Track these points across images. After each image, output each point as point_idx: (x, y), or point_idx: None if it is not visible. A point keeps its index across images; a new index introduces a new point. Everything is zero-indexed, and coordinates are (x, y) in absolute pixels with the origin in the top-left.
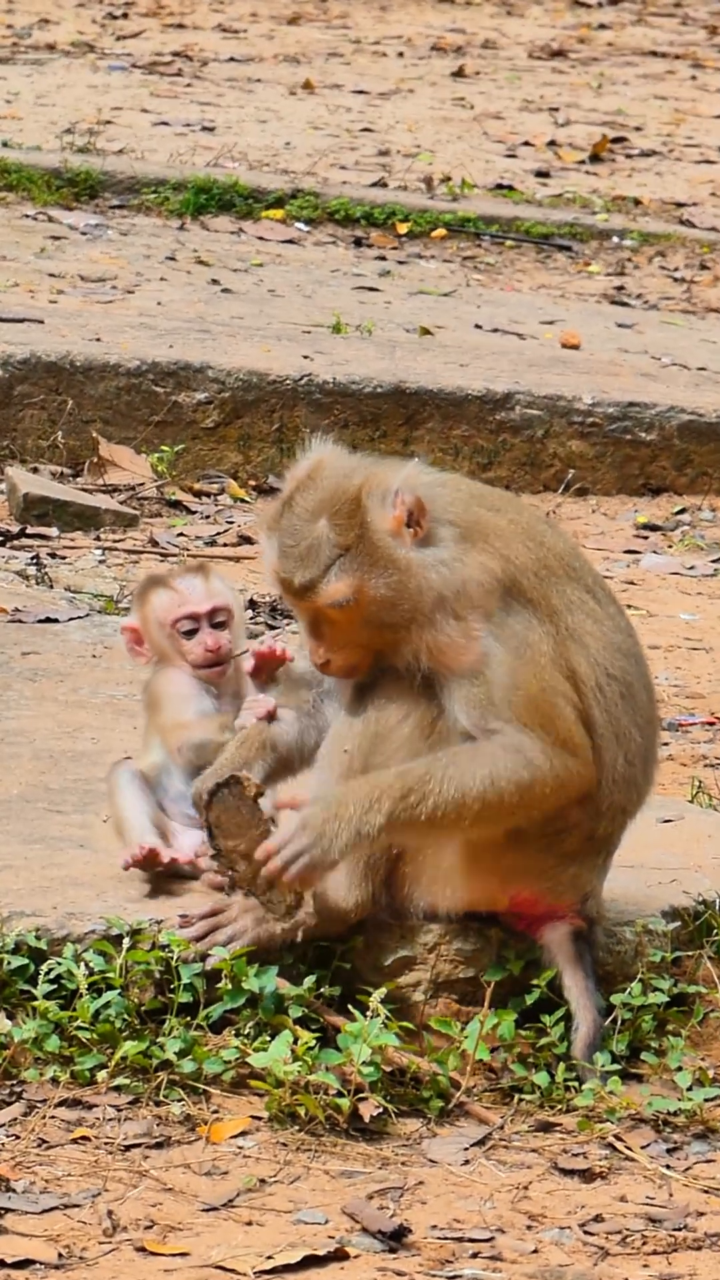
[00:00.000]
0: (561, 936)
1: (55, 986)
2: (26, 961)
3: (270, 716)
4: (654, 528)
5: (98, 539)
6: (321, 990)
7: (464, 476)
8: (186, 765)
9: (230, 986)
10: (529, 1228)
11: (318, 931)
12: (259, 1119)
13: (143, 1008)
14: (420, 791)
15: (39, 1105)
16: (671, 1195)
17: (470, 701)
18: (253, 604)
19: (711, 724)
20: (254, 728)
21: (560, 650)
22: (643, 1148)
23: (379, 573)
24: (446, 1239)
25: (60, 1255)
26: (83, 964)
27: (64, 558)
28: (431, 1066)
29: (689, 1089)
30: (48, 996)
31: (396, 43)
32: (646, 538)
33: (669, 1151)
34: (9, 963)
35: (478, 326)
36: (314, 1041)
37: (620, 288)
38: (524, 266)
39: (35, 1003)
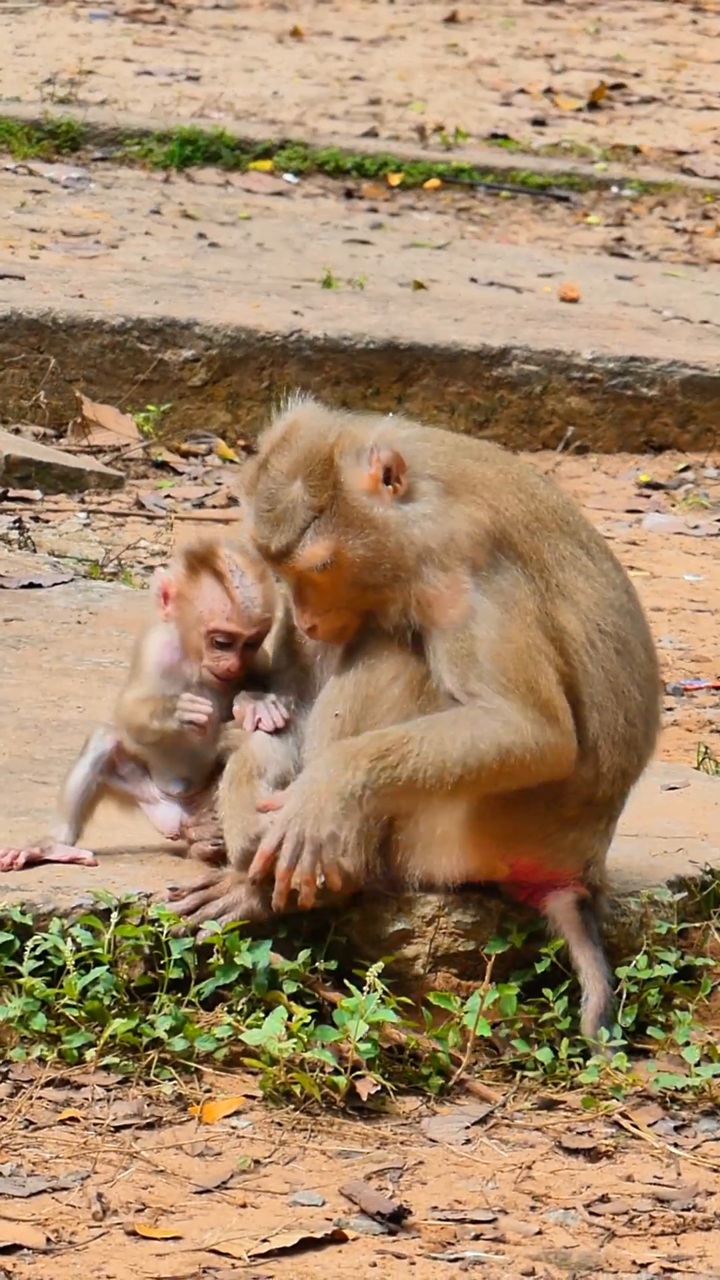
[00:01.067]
0: (566, 905)
1: (41, 963)
2: (11, 937)
3: (259, 726)
4: (657, 486)
5: (82, 501)
6: (317, 965)
7: (449, 431)
8: (134, 738)
9: (222, 962)
10: (533, 1209)
11: (312, 904)
12: (253, 1098)
13: (132, 984)
14: (399, 752)
15: (25, 1085)
16: (680, 1174)
17: (453, 657)
18: None
19: (717, 688)
20: (239, 767)
21: (547, 608)
22: (650, 1125)
23: (356, 533)
24: (448, 1221)
25: (48, 1240)
26: (70, 939)
27: (47, 521)
28: (431, 1043)
29: (697, 1065)
30: (34, 973)
31: None
32: (649, 496)
33: (677, 1129)
34: None
35: (473, 280)
36: (309, 1018)
37: (620, 239)
38: (520, 218)
39: (21, 980)
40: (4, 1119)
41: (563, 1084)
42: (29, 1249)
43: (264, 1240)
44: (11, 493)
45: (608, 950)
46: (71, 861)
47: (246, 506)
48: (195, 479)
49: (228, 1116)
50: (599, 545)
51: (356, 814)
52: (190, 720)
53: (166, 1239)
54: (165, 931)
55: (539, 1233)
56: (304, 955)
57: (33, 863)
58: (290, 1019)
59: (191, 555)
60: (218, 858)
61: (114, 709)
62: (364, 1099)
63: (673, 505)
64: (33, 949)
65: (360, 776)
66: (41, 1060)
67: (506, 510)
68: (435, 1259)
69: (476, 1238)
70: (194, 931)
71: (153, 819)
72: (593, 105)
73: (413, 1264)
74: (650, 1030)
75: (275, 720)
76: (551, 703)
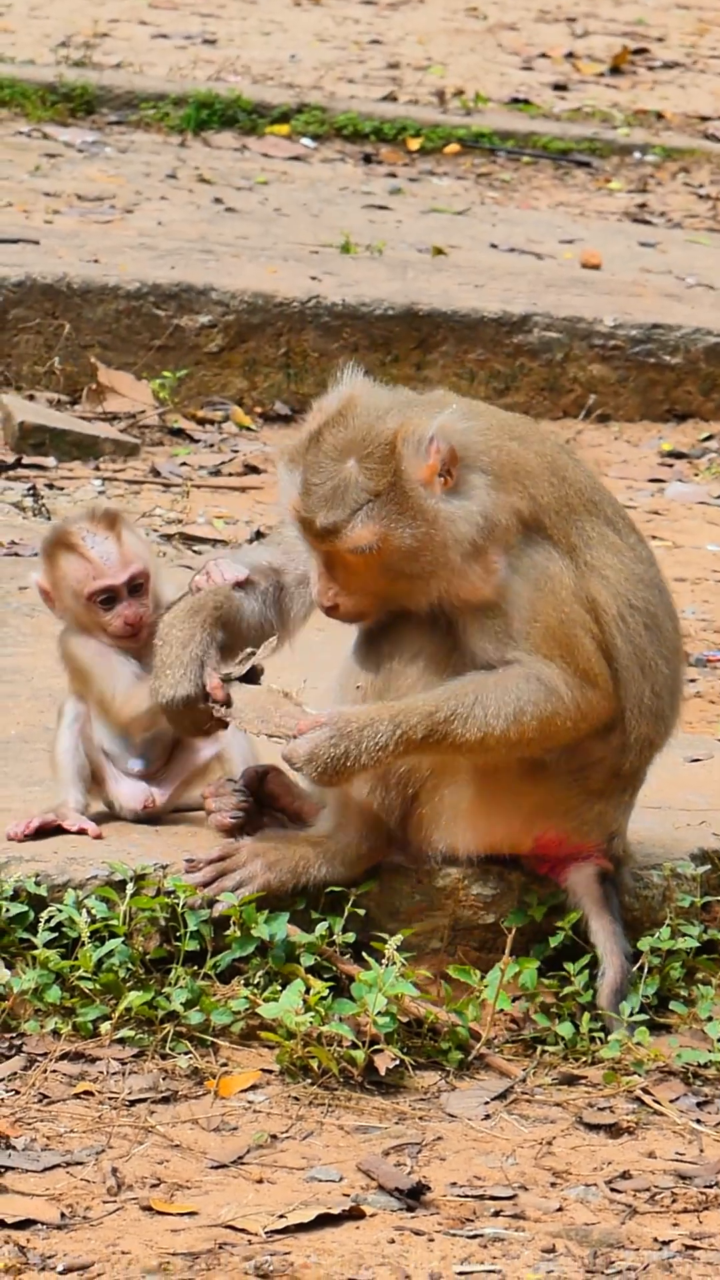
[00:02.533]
0: (587, 878)
1: (56, 935)
2: (26, 909)
3: (237, 584)
4: (679, 455)
5: (97, 469)
6: (335, 937)
7: (489, 405)
8: (134, 736)
9: (239, 934)
10: (553, 1185)
11: (330, 876)
12: (270, 1072)
13: (147, 956)
14: (443, 732)
15: (40, 1059)
16: (702, 1151)
17: (489, 634)
18: (259, 535)
19: None
20: (209, 595)
21: (580, 583)
22: (671, 1101)
23: (406, 523)
24: (467, 1197)
25: (63, 1215)
26: (85, 911)
27: (62, 488)
28: (450, 1017)
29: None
30: (48, 945)
31: None
32: (671, 465)
33: (699, 1105)
34: (8, 910)
35: (493, 246)
36: (327, 991)
37: (642, 205)
38: (541, 183)
39: (35, 952)
40: (18, 1093)
41: (584, 1059)
42: (43, 1224)
43: (281, 1216)
44: (25, 460)
45: (630, 923)
46: (79, 832)
47: (290, 476)
48: (211, 446)
49: (244, 1091)
50: (624, 520)
51: (384, 764)
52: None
53: (182, 1214)
54: (181, 903)
55: (559, 1209)
56: (322, 928)
57: (45, 830)
58: (308, 992)
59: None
60: (235, 830)
61: (98, 713)
62: (382, 1073)
63: (695, 474)
64: (47, 921)
65: (392, 757)
66: (56, 1033)
67: (542, 498)
68: (454, 1235)
69: (496, 1214)
70: (210, 904)
71: (117, 796)
72: (615, 70)
73: (431, 1240)
74: (672, 1005)
75: (234, 574)
76: (591, 670)
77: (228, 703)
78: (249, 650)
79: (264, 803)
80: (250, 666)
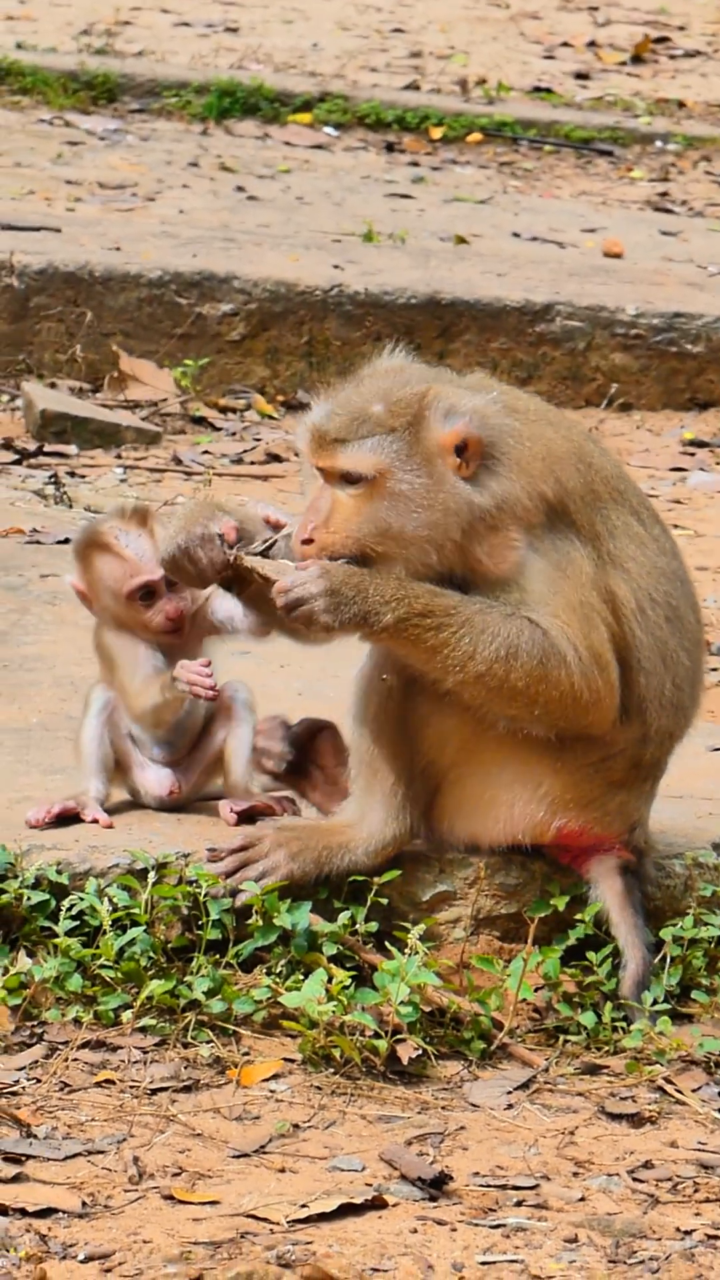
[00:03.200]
0: (609, 870)
1: (77, 923)
2: (47, 897)
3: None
4: (701, 444)
5: (119, 457)
6: (357, 927)
7: (524, 392)
8: (149, 730)
9: (261, 923)
10: (575, 1175)
11: (353, 865)
12: (292, 1061)
13: (169, 945)
14: (440, 619)
15: (61, 1047)
16: None
17: (504, 604)
18: (278, 527)
19: None
20: (227, 500)
21: (600, 574)
22: (694, 1091)
23: (411, 469)
24: (489, 1187)
25: (84, 1204)
26: (106, 899)
27: (83, 476)
28: (473, 1006)
29: None
30: (69, 934)
31: None
32: (693, 454)
33: None
34: (29, 898)
35: (515, 235)
36: (349, 980)
37: (664, 194)
38: (563, 172)
39: (56, 940)
40: (39, 1081)
41: (606, 1049)
42: (64, 1212)
43: (303, 1206)
44: (47, 448)
45: (652, 913)
46: (93, 822)
47: (317, 405)
48: (233, 435)
49: (266, 1080)
50: (648, 510)
51: (360, 633)
52: (191, 684)
53: (204, 1203)
54: (204, 892)
55: (581, 1199)
56: (344, 917)
57: (66, 816)
58: (330, 981)
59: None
60: (274, 775)
61: (121, 701)
62: (405, 1063)
63: (717, 463)
64: (69, 909)
65: (389, 618)
66: (77, 1022)
67: (568, 482)
68: (476, 1225)
69: (518, 1204)
70: (233, 893)
71: (142, 783)
72: (636, 59)
73: (454, 1230)
74: (694, 994)
75: (266, 510)
76: (602, 654)
77: (239, 564)
78: (267, 536)
79: (308, 759)
80: (267, 546)
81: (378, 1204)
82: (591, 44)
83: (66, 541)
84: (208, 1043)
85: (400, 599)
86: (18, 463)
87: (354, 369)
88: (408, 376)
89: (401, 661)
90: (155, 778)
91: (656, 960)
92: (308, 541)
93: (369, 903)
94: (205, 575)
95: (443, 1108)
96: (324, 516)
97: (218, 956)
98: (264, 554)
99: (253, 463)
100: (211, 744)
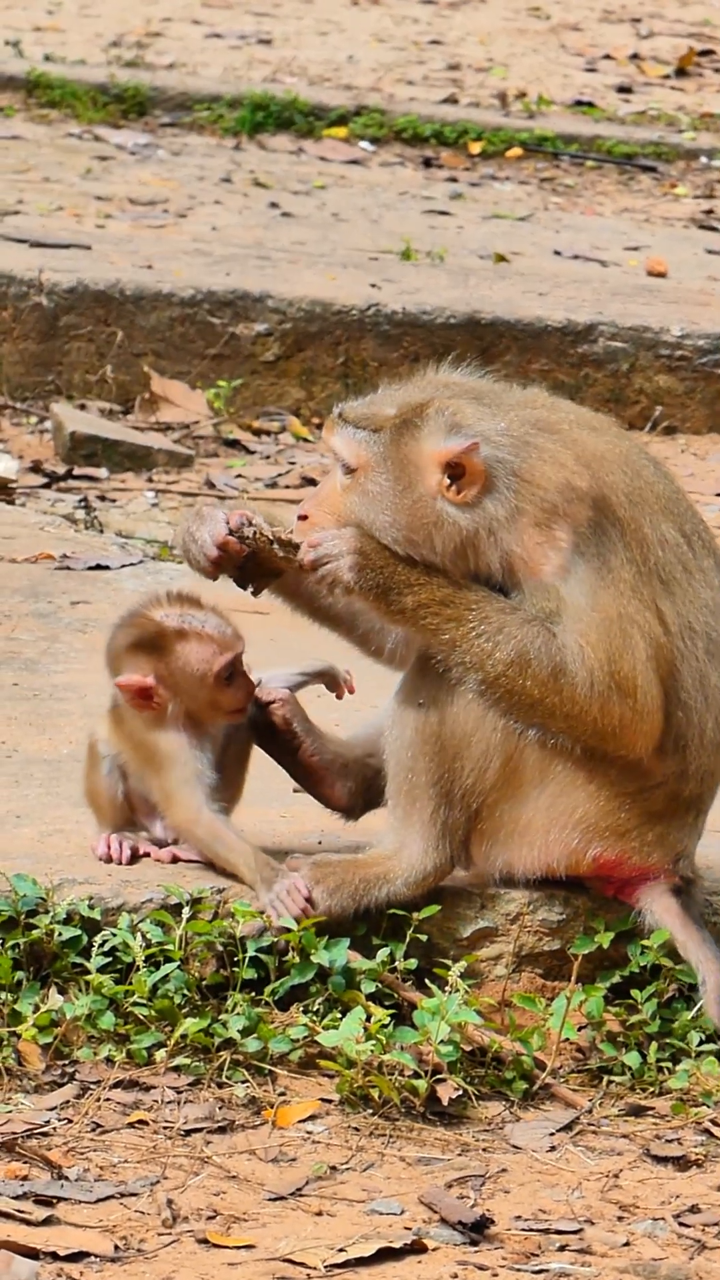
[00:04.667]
0: (661, 894)
1: (110, 959)
2: (79, 933)
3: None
4: None
5: (150, 480)
6: (396, 964)
7: (575, 405)
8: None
9: (298, 960)
10: (620, 1219)
11: (392, 897)
12: (329, 1102)
13: (204, 982)
14: (460, 611)
15: (93, 1087)
16: None
17: (539, 613)
18: None
19: None
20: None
21: (643, 581)
22: None
23: (383, 470)
24: (531, 1231)
25: (117, 1247)
26: (139, 935)
27: (114, 500)
28: (514, 1046)
29: None
30: (102, 970)
31: None
32: None
33: None
34: (60, 934)
35: (557, 253)
36: (388, 1019)
37: (709, 211)
38: (606, 188)
39: (88, 977)
40: (71, 1121)
41: (651, 1089)
42: (97, 1256)
43: (340, 1250)
44: (77, 471)
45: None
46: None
47: None
48: (267, 458)
49: (303, 1121)
50: (702, 540)
51: (374, 609)
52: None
53: (239, 1248)
54: (239, 928)
55: (626, 1244)
56: (383, 954)
57: (136, 857)
58: (368, 1020)
59: (140, 645)
60: None
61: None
62: (445, 1103)
63: None
64: (101, 945)
65: (410, 600)
66: (110, 1061)
67: (608, 477)
68: (518, 1270)
69: (561, 1249)
70: (264, 930)
71: (150, 828)
72: (680, 72)
73: (495, 1275)
74: None
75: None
76: (630, 679)
77: (241, 531)
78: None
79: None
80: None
81: (417, 1248)
82: (634, 56)
83: (98, 568)
84: (243, 1082)
85: (423, 584)
86: (47, 486)
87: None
88: (443, 388)
89: (426, 652)
90: (162, 826)
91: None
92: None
93: (408, 939)
94: (206, 552)
95: (484, 1149)
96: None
97: (253, 994)
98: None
99: (287, 486)
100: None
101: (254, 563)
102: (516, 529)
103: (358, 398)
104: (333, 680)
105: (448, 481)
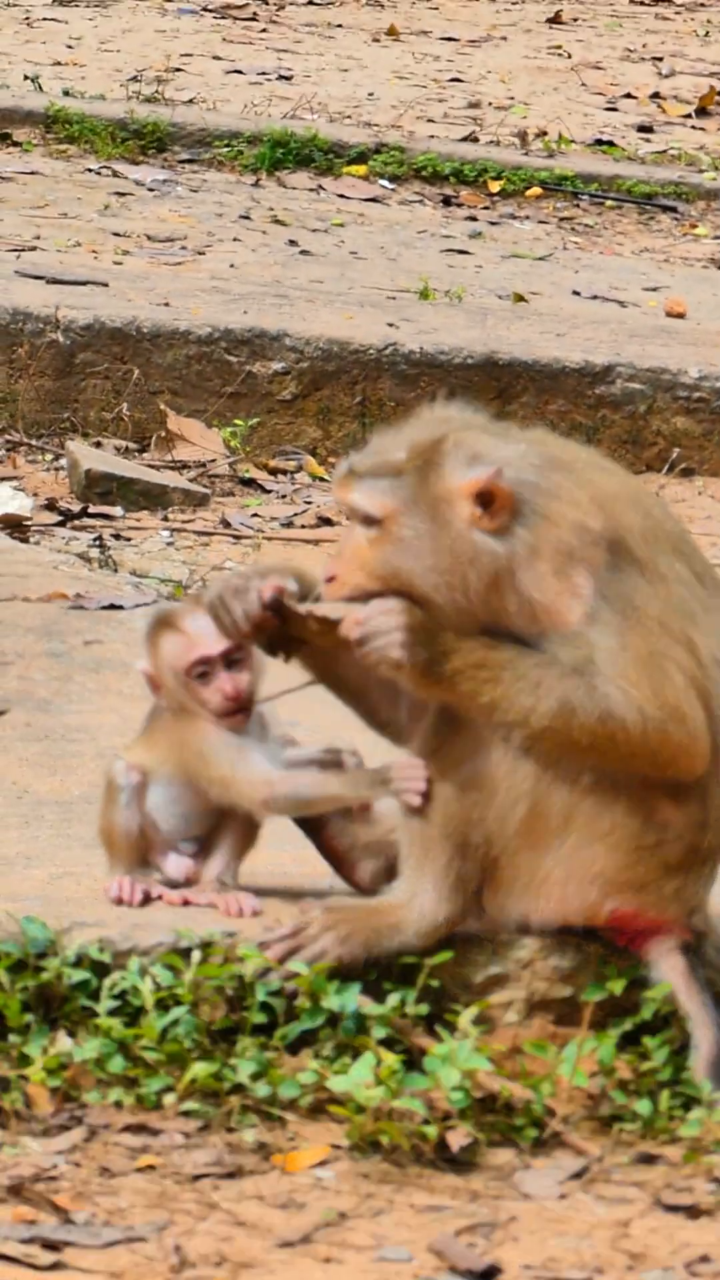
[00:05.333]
0: (669, 950)
1: (119, 1003)
2: (88, 976)
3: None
4: None
5: (165, 519)
6: (407, 1009)
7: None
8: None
9: (309, 1005)
10: (630, 1268)
11: (403, 947)
12: (339, 1148)
13: (213, 1026)
14: (495, 672)
15: (101, 1130)
16: None
17: (571, 662)
18: None
19: None
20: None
21: (671, 615)
22: None
23: (415, 514)
24: (541, 1279)
25: None
26: (149, 978)
27: (129, 539)
28: (525, 1093)
29: None
30: (111, 1014)
31: None
32: None
33: None
34: (70, 977)
35: (576, 293)
36: (399, 1065)
37: None
38: (625, 228)
39: (97, 1020)
40: (79, 1165)
41: (663, 1137)
42: None
43: None
44: (92, 509)
45: (715, 998)
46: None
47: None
48: (284, 497)
49: (312, 1166)
50: (712, 579)
51: (422, 680)
52: (408, 790)
53: None
54: (249, 972)
55: None
56: (394, 999)
57: (149, 899)
58: (379, 1065)
59: (148, 632)
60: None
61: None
62: (455, 1150)
63: None
64: (110, 988)
65: (447, 666)
66: (118, 1104)
67: (623, 518)
68: None
69: None
70: (286, 977)
71: (162, 865)
72: (701, 111)
73: None
74: None
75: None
76: (678, 707)
77: (277, 607)
78: (317, 593)
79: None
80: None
81: None
82: (655, 96)
83: (112, 607)
84: (252, 1127)
85: (456, 649)
86: (62, 524)
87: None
88: (448, 424)
89: (465, 718)
90: (175, 864)
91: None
92: (330, 579)
93: (419, 985)
94: (239, 626)
95: (493, 1197)
96: (348, 558)
97: (263, 1039)
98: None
99: (304, 526)
100: (236, 830)
101: (284, 632)
102: (536, 571)
103: (358, 451)
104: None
105: (479, 511)
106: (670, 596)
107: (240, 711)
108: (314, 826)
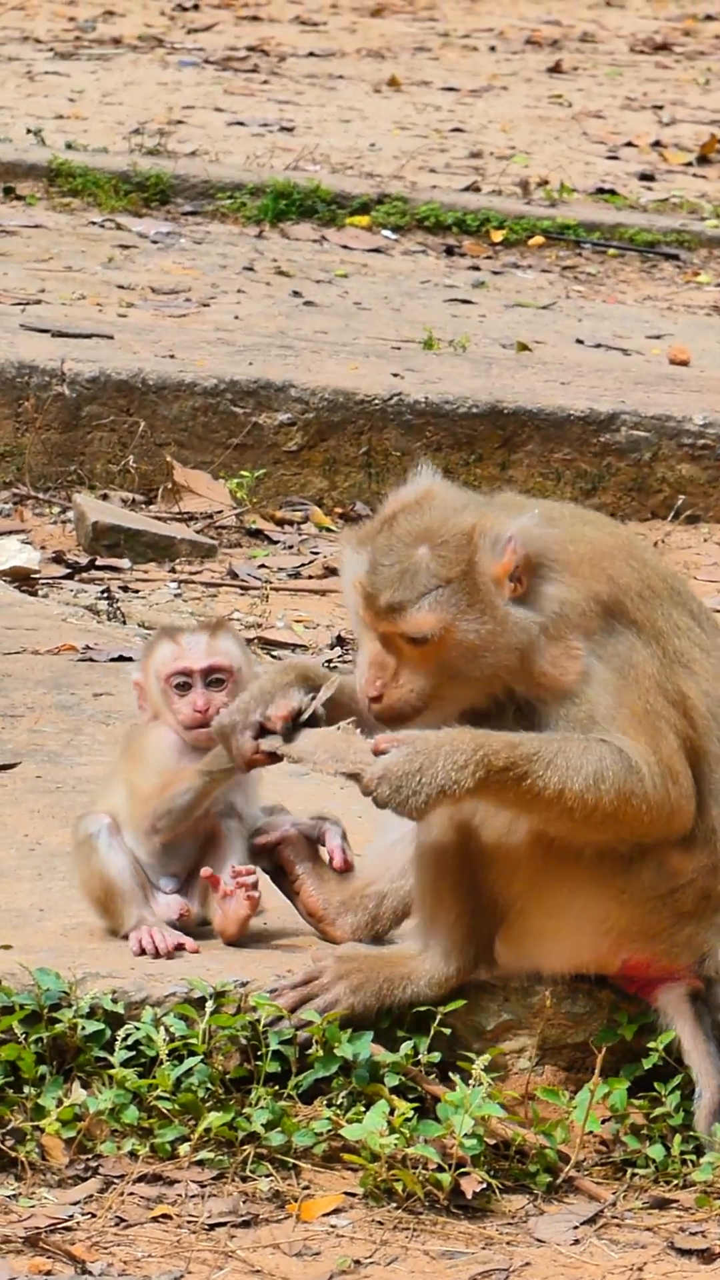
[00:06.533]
0: (678, 998)
1: (133, 1053)
2: (102, 1026)
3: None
4: None
5: (173, 571)
6: (420, 1057)
7: (565, 504)
8: (148, 837)
9: (322, 1053)
10: None
11: (415, 997)
12: (353, 1195)
13: (227, 1076)
14: (523, 769)
15: (116, 1181)
16: None
17: (572, 721)
18: (340, 641)
19: None
20: (305, 659)
21: (667, 674)
22: None
23: (474, 616)
24: None
25: None
26: (163, 1029)
27: (137, 591)
28: (538, 1139)
29: None
30: (125, 1064)
31: (488, 36)
32: None
33: None
34: (84, 1028)
35: (579, 341)
36: (412, 1112)
37: None
38: (628, 276)
39: (112, 1071)
40: (94, 1216)
41: (675, 1182)
42: None
43: None
44: (99, 561)
45: None
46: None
47: (356, 557)
48: (291, 548)
49: (327, 1215)
50: (709, 619)
51: (447, 803)
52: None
53: None
54: (263, 1022)
55: None
56: (406, 1047)
57: (181, 948)
58: (392, 1113)
59: (149, 641)
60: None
61: (127, 816)
62: (469, 1197)
63: None
64: (124, 1039)
65: (469, 783)
66: (133, 1155)
67: (620, 579)
68: None
69: None
70: (297, 1026)
71: (155, 908)
72: (703, 159)
73: None
74: None
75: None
76: (673, 765)
77: (286, 737)
78: (311, 695)
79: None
80: (312, 710)
81: None
82: (656, 144)
83: (120, 659)
84: (267, 1176)
85: (479, 761)
86: (69, 577)
87: (405, 480)
88: (445, 509)
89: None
90: (165, 903)
91: None
92: (376, 699)
93: (432, 1032)
94: (238, 764)
95: (507, 1243)
96: (390, 672)
97: (277, 1088)
98: (308, 721)
99: (310, 577)
100: (216, 864)
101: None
102: (549, 637)
103: (377, 575)
104: (324, 840)
105: (512, 585)
106: (668, 652)
107: (204, 727)
108: (291, 889)
